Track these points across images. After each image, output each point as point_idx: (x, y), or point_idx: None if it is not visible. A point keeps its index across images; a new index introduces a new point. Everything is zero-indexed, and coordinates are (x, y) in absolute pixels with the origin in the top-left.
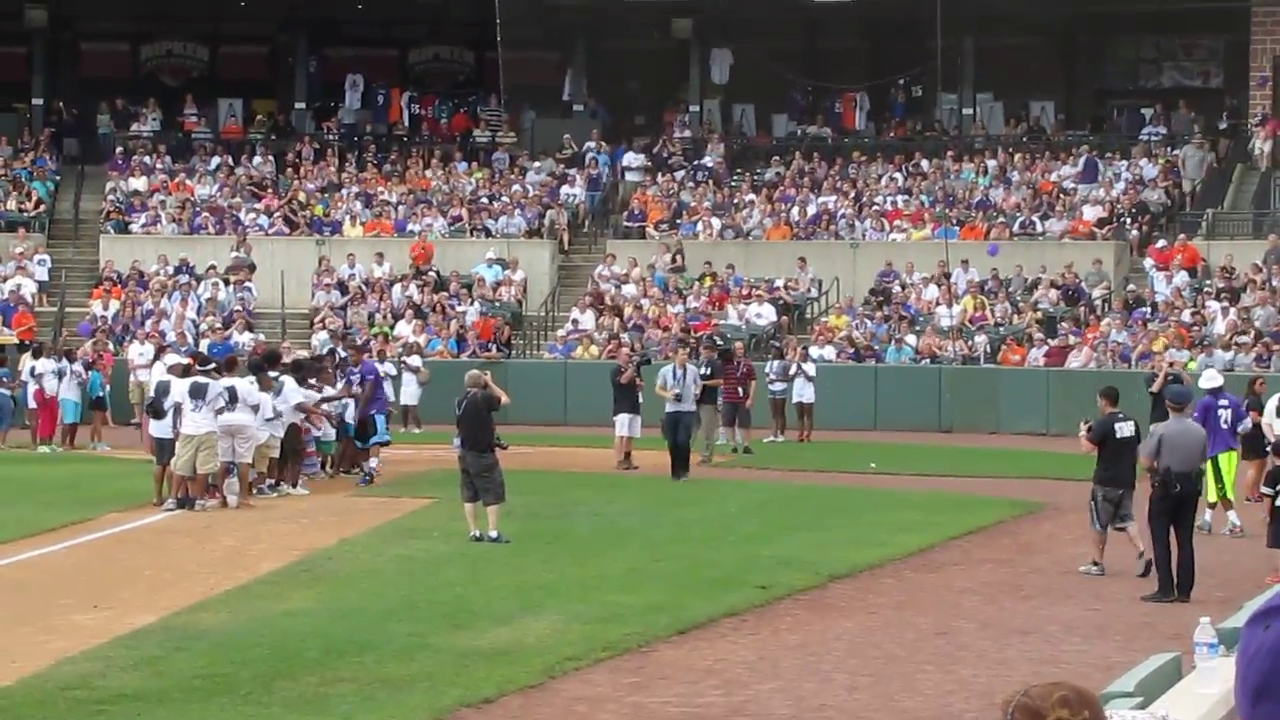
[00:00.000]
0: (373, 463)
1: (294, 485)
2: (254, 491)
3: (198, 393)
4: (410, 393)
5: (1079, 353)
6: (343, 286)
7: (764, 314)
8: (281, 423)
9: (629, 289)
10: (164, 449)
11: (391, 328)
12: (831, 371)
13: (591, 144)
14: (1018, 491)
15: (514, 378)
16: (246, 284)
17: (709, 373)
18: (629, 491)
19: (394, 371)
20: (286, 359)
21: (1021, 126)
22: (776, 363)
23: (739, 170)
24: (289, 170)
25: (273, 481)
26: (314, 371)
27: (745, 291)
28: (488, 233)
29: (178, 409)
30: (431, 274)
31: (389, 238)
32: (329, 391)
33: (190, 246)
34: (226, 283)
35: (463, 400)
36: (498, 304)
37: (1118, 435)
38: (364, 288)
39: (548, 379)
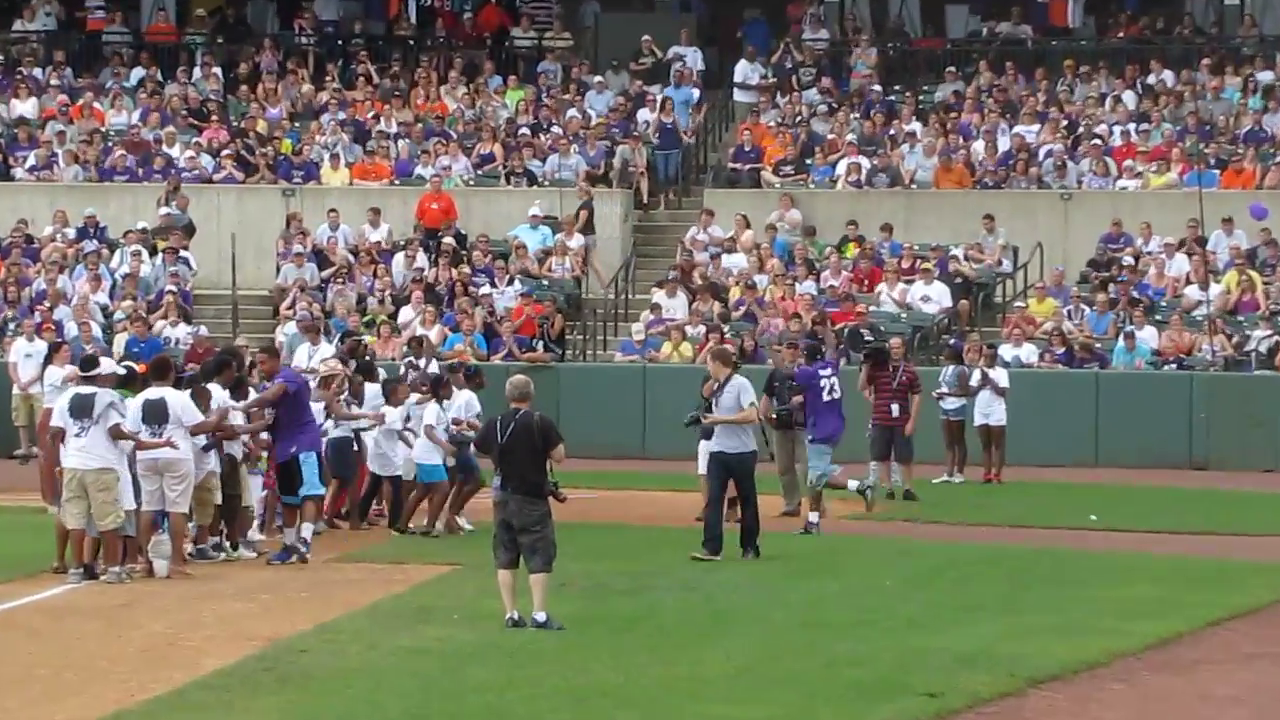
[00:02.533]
0: (305, 530)
1: (235, 545)
2: (188, 554)
3: (81, 410)
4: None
5: None
6: (320, 257)
7: (933, 297)
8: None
9: (735, 260)
10: None
11: (392, 316)
12: (1032, 381)
13: (682, 50)
14: None
15: (570, 390)
16: (182, 253)
17: (787, 385)
18: (735, 556)
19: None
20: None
21: None
22: (951, 368)
23: (897, 88)
24: (243, 90)
25: (215, 540)
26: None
27: (906, 264)
28: (531, 179)
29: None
30: (449, 239)
31: (388, 186)
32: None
33: (100, 199)
34: (153, 251)
35: (506, 422)
36: (545, 283)
37: None
38: (351, 259)
39: (618, 391)
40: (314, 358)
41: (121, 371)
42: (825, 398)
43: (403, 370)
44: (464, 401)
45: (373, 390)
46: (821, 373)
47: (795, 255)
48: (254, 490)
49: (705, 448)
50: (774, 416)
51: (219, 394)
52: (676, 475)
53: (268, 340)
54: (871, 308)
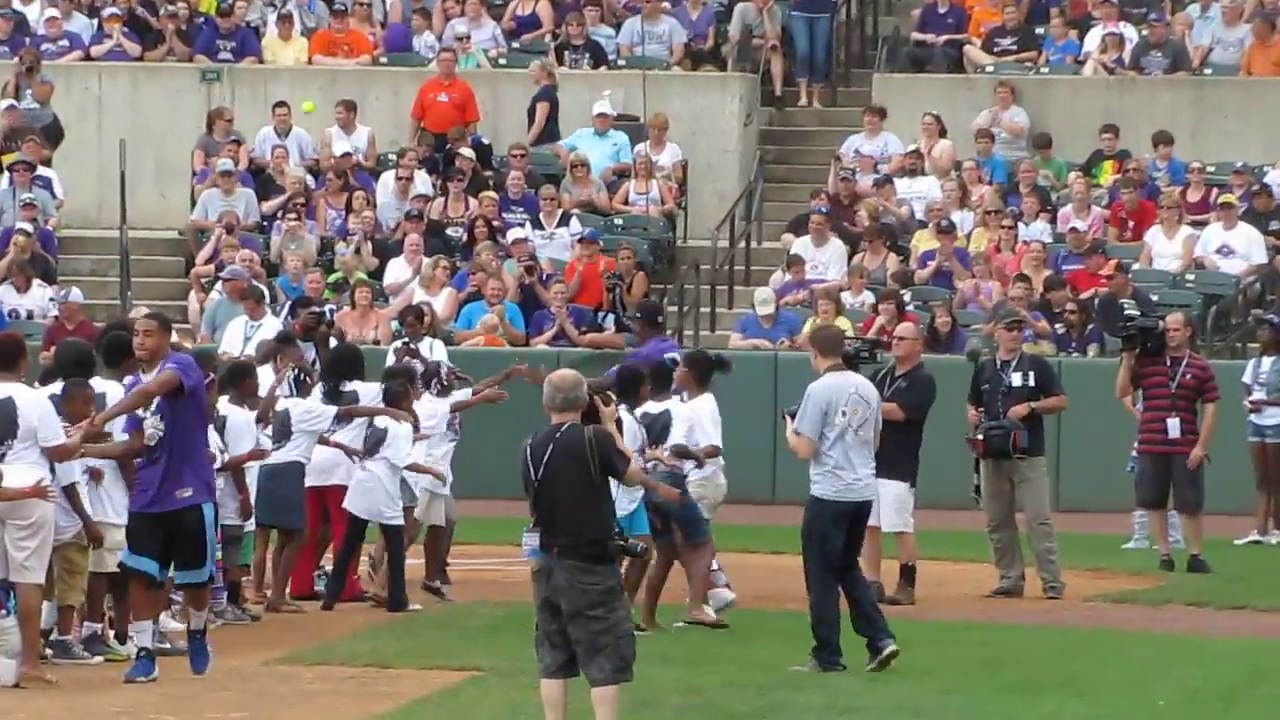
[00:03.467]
0: (195, 621)
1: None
2: (47, 652)
3: None
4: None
5: None
6: (261, 179)
7: (1237, 248)
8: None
9: (921, 188)
10: None
11: (374, 274)
12: None
13: None
14: None
15: None
16: (41, 172)
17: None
18: (919, 652)
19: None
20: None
21: None
22: (1270, 361)
23: None
24: None
25: (97, 629)
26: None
27: (1194, 196)
28: (598, 56)
29: None
30: (467, 151)
31: (368, 66)
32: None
33: None
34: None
35: (540, 445)
36: (619, 222)
37: None
38: (310, 181)
39: (735, 394)
40: (251, 339)
41: None
42: None
43: (393, 358)
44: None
45: (368, 391)
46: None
47: (1019, 180)
48: None
49: (890, 492)
50: (980, 438)
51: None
52: None
53: (175, 309)
54: (1137, 265)
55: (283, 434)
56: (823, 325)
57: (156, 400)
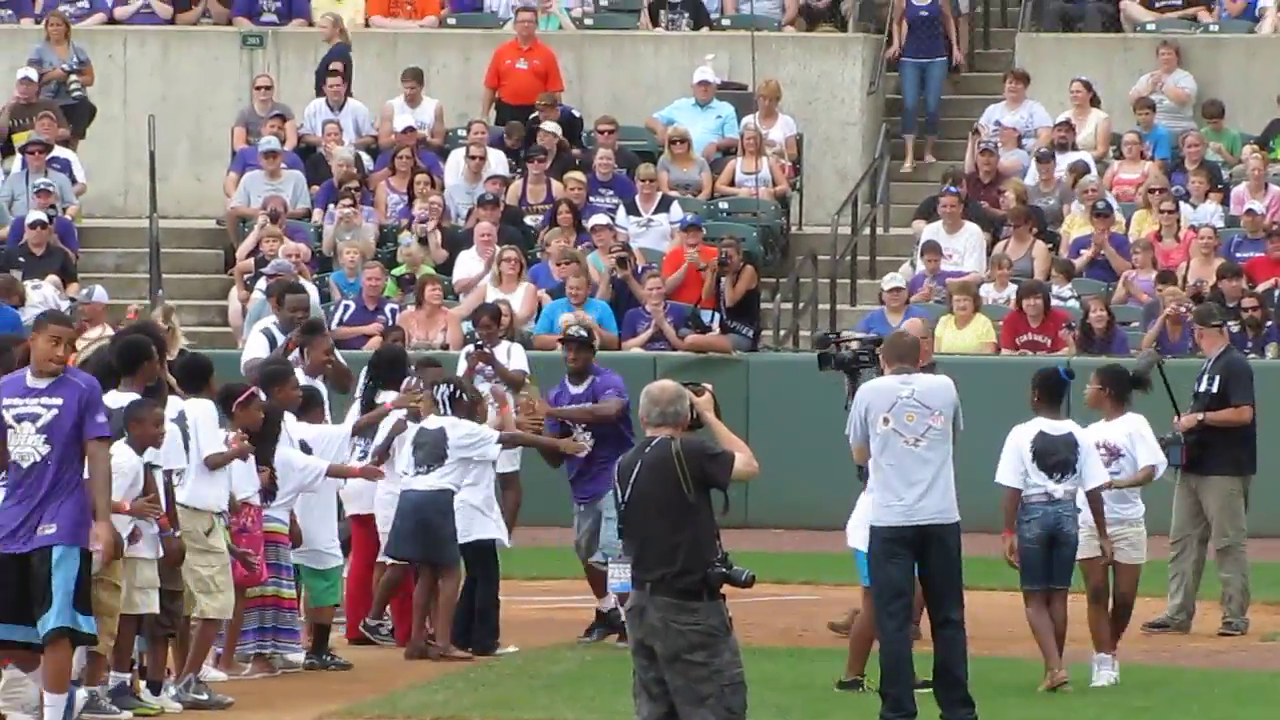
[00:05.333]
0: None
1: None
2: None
3: None
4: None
5: None
6: (313, 159)
7: None
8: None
9: (1072, 163)
10: None
11: (442, 268)
12: None
13: None
14: None
15: (768, 400)
16: (60, 153)
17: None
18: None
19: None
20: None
21: None
22: None
23: None
24: None
25: (125, 679)
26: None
27: None
28: (700, 16)
29: None
30: (550, 125)
31: (434, 30)
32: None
33: None
34: (6, 149)
35: (629, 464)
36: (725, 206)
37: None
38: (368, 162)
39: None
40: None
41: None
42: None
43: (465, 362)
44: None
45: None
46: None
47: (1185, 155)
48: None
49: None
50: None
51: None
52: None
53: (214, 310)
54: None
55: (436, 458)
56: (896, 333)
57: None
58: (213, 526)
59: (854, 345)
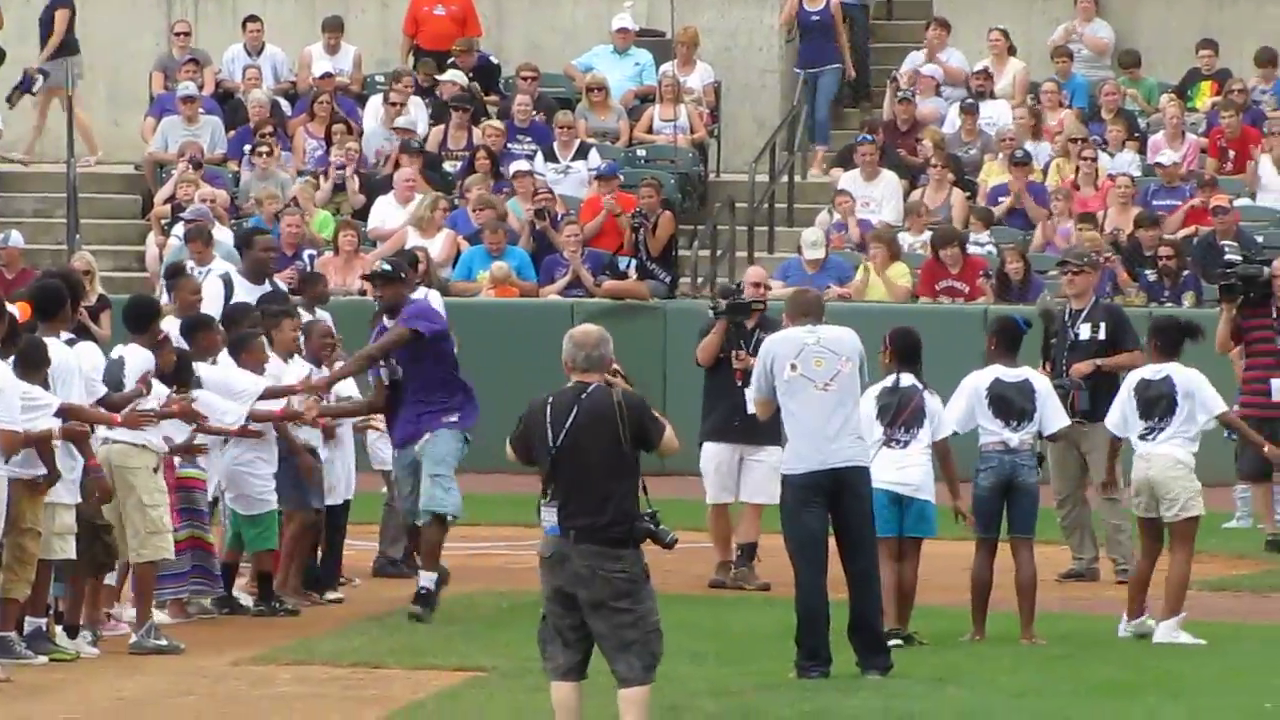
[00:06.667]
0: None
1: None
2: None
3: None
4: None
5: None
6: (230, 105)
7: None
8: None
9: (991, 112)
10: None
11: (359, 213)
12: None
13: None
14: None
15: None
16: None
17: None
18: (988, 648)
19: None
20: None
21: None
22: None
23: None
24: None
25: (41, 624)
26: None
27: None
28: None
29: None
30: (463, 75)
31: None
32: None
33: None
34: None
35: (562, 407)
36: (643, 154)
37: None
38: (285, 108)
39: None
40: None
41: None
42: None
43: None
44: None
45: None
46: None
47: (1102, 104)
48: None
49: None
50: None
51: (59, 353)
52: None
53: (131, 255)
54: (1242, 201)
55: None
56: (799, 290)
57: None
58: (159, 465)
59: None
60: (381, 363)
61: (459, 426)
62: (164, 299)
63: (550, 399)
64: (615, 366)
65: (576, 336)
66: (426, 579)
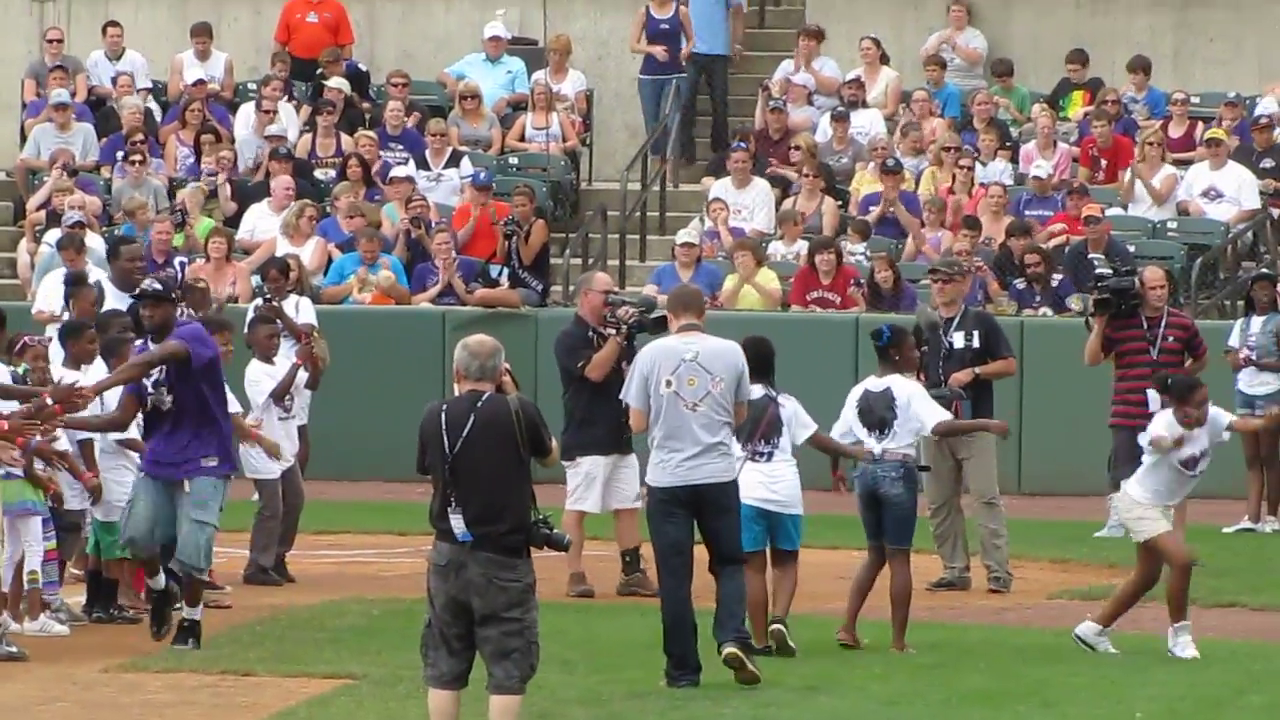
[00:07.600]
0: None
1: None
2: None
3: None
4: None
5: None
6: (102, 111)
7: (1226, 191)
8: None
9: (863, 121)
10: None
11: (230, 220)
12: None
13: None
14: None
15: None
16: None
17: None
18: (859, 656)
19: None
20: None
21: None
22: (1261, 321)
23: None
24: None
25: None
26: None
27: (1176, 131)
28: None
29: None
30: (338, 80)
31: None
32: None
33: None
34: None
35: (458, 416)
36: (515, 161)
37: None
38: (156, 115)
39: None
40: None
41: None
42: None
43: (252, 318)
44: None
45: None
46: None
47: (975, 113)
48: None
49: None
50: None
51: None
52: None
53: (2, 262)
54: (1113, 210)
55: None
56: (680, 285)
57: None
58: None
59: (629, 312)
60: (150, 389)
61: (216, 474)
62: (59, 308)
63: (444, 406)
64: (506, 366)
65: (471, 345)
66: (191, 613)
